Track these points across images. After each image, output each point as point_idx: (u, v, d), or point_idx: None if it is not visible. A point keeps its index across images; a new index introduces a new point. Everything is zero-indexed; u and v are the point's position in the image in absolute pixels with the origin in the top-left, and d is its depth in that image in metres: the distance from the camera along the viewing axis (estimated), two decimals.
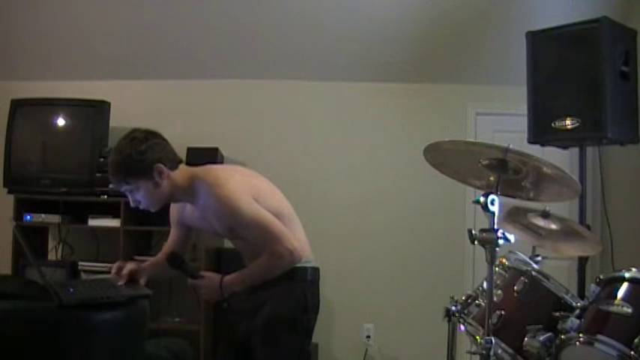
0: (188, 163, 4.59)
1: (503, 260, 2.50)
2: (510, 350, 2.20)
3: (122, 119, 4.43)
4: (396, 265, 4.48)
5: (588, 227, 3.06)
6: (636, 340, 1.91)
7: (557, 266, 3.31)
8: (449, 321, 2.57)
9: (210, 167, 2.56)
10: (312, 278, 2.46)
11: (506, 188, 2.24)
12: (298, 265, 2.37)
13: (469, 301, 2.52)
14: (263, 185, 2.59)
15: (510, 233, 2.04)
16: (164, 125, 4.66)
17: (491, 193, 2.02)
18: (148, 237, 4.53)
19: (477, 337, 2.36)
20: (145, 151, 2.34)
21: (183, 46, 4.45)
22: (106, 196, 4.17)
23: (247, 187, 2.43)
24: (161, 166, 2.34)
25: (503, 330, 2.23)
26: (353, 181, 4.58)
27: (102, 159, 4.24)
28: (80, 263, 4.11)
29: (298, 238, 2.47)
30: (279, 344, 2.36)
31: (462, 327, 2.51)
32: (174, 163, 2.44)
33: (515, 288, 2.34)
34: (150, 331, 2.39)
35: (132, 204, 2.41)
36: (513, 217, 2.70)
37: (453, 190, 3.87)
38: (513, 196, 2.34)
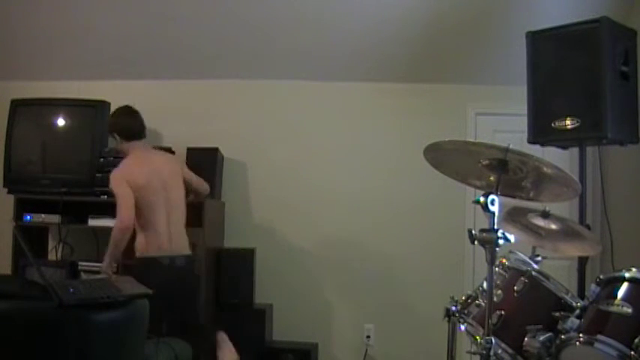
0: (188, 164, 4.64)
1: (504, 260, 2.50)
2: (510, 350, 2.20)
3: None
4: (396, 265, 4.48)
5: (588, 227, 3.06)
6: (636, 340, 1.91)
7: (557, 266, 3.31)
8: (449, 321, 2.57)
9: (135, 149, 3.45)
10: (143, 268, 3.22)
11: (506, 188, 2.24)
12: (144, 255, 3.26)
13: (469, 301, 2.52)
14: (147, 177, 3.31)
15: (510, 233, 2.04)
16: (164, 125, 4.72)
17: (491, 193, 2.02)
18: None
19: (477, 337, 2.36)
20: (108, 123, 3.57)
21: (183, 46, 4.45)
22: (105, 196, 4.17)
23: (128, 172, 3.26)
24: (114, 134, 3.45)
25: (503, 330, 2.23)
26: (353, 180, 4.58)
27: (102, 159, 4.24)
28: (80, 263, 4.11)
29: (150, 228, 3.29)
30: None
31: (462, 327, 2.51)
32: (128, 136, 3.45)
33: (515, 288, 2.34)
34: (150, 331, 2.39)
35: None
36: (513, 217, 2.70)
37: (453, 190, 3.87)
38: (513, 196, 2.34)
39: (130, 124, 3.49)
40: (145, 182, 3.31)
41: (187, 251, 3.44)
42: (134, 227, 3.31)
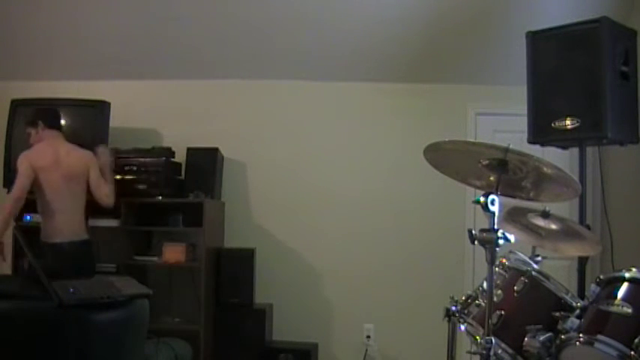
0: (188, 163, 4.64)
1: (504, 260, 2.50)
2: (510, 350, 2.20)
3: (122, 119, 4.45)
4: (396, 265, 4.48)
5: (588, 227, 3.06)
6: (636, 340, 1.90)
7: (557, 266, 3.31)
8: (449, 321, 2.57)
9: (50, 137, 3.68)
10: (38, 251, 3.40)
11: (506, 188, 2.24)
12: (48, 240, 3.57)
13: (469, 301, 2.52)
14: (49, 161, 3.58)
15: (510, 233, 2.04)
16: (164, 125, 4.72)
17: (491, 193, 2.02)
18: (148, 237, 4.53)
19: (477, 337, 2.35)
20: (31, 112, 3.80)
21: (183, 46, 4.45)
22: None
23: (32, 154, 3.59)
24: (38, 121, 3.72)
25: (503, 330, 2.23)
26: (353, 181, 4.58)
27: None
28: None
29: (53, 215, 3.58)
30: None
31: (462, 327, 2.51)
32: (50, 123, 3.72)
33: (515, 288, 2.34)
34: (150, 331, 2.39)
35: None
36: (513, 217, 2.70)
37: (453, 190, 3.87)
38: (513, 196, 2.33)
39: (53, 110, 3.83)
40: (45, 165, 3.57)
41: (85, 236, 3.73)
42: (40, 212, 3.67)
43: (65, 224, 3.62)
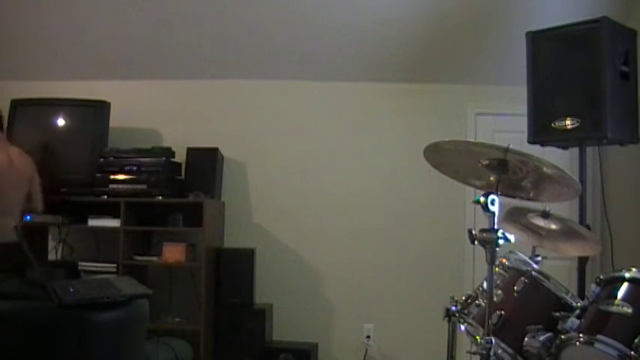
0: (188, 163, 4.63)
1: (503, 260, 2.50)
2: (510, 350, 2.20)
3: (122, 119, 4.45)
4: (396, 265, 4.48)
5: (588, 227, 3.06)
6: (636, 340, 1.91)
7: (557, 266, 3.31)
8: (449, 321, 2.57)
9: (1, 140, 3.66)
10: None
11: (506, 188, 2.24)
12: None
13: (469, 301, 2.52)
14: (5, 169, 3.55)
15: (510, 233, 2.04)
16: (164, 125, 4.72)
17: (491, 193, 2.02)
18: (148, 237, 4.53)
19: (477, 337, 2.35)
20: None
21: (183, 46, 4.45)
22: (106, 196, 4.18)
23: None
24: None
25: (503, 330, 2.23)
26: (353, 181, 4.58)
27: (102, 159, 4.25)
28: (80, 263, 4.11)
29: None
30: None
31: (462, 327, 2.51)
32: None
33: (515, 288, 2.34)
34: (150, 331, 2.39)
35: None
36: (513, 217, 2.70)
37: (453, 190, 3.87)
38: (513, 196, 2.34)
39: (1, 113, 3.78)
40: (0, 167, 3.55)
41: (15, 237, 3.64)
42: None
43: (4, 226, 3.59)
